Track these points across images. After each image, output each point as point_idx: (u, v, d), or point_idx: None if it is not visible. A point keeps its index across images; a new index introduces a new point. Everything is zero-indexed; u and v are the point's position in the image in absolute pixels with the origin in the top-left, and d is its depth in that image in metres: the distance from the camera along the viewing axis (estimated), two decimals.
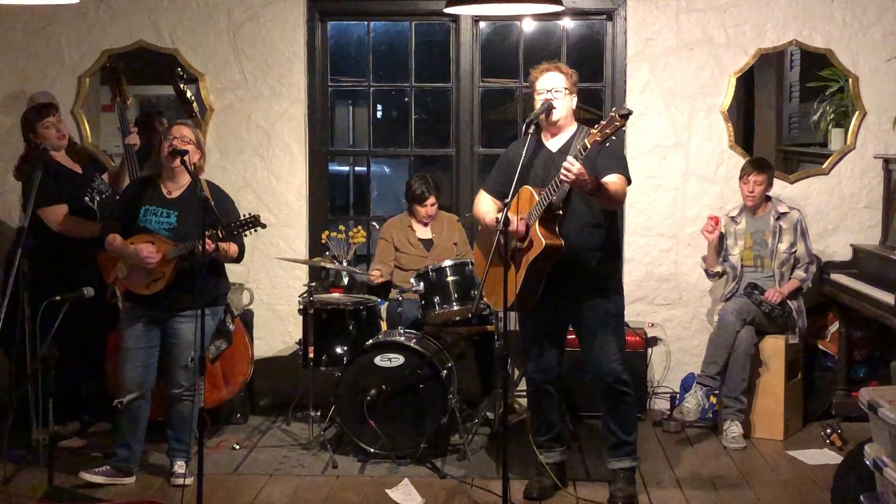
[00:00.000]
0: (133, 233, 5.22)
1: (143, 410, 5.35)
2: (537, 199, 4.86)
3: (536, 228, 4.86)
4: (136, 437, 5.37)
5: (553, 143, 5.10)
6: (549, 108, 4.96)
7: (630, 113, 4.54)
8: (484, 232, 5.28)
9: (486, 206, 5.21)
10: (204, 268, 4.96)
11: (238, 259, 5.42)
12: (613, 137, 4.58)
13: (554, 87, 5.02)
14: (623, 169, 4.99)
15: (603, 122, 4.57)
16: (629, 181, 5.01)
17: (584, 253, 4.97)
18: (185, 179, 5.27)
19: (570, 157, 4.63)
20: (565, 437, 5.44)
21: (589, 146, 4.60)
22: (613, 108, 4.60)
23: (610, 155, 4.92)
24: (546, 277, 4.94)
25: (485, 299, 5.28)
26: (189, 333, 5.22)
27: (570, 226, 4.94)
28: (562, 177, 4.62)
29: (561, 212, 4.92)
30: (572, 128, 5.11)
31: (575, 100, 5.12)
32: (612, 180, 4.86)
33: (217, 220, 4.99)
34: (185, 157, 5.06)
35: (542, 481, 5.27)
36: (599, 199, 4.84)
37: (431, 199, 6.53)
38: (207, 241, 4.92)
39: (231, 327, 6.00)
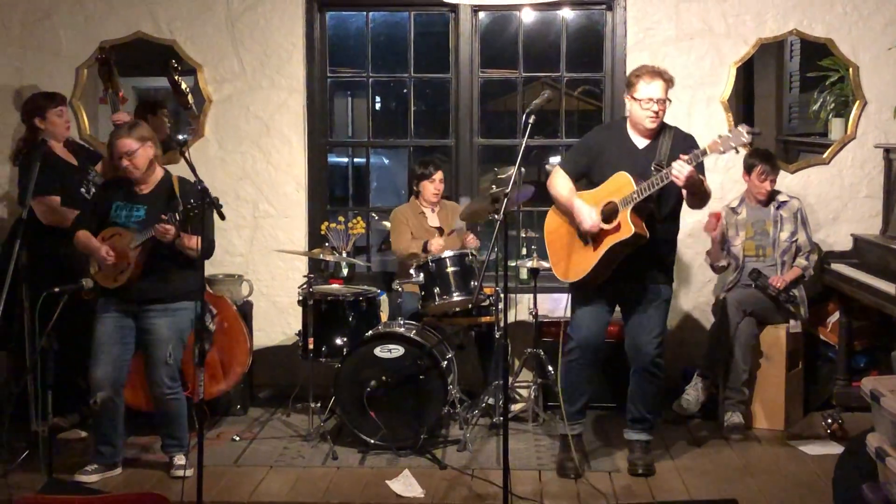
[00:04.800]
0: (101, 228, 5.20)
1: (118, 407, 5.31)
2: (635, 187, 5.03)
3: (628, 215, 5.04)
4: (117, 434, 5.36)
5: (639, 140, 5.28)
6: (548, 98, 4.97)
7: (759, 133, 4.92)
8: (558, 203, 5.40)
9: (563, 183, 5.33)
10: (174, 259, 5.12)
11: (206, 254, 5.14)
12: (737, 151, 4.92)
13: (661, 98, 5.17)
14: (703, 169, 5.23)
15: (728, 136, 4.84)
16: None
17: (659, 243, 5.23)
18: (157, 176, 5.25)
19: (681, 162, 4.89)
20: (585, 411, 5.57)
21: (708, 153, 4.91)
22: (742, 125, 4.84)
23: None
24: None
25: (551, 268, 5.44)
26: (164, 328, 5.20)
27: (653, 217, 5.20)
28: (674, 176, 4.89)
29: (653, 205, 5.14)
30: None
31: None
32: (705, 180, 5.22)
33: (174, 205, 4.98)
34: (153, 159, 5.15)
35: (575, 458, 5.38)
36: (697, 197, 5.16)
37: (439, 175, 6.53)
38: (165, 225, 4.94)
39: (212, 327, 5.95)
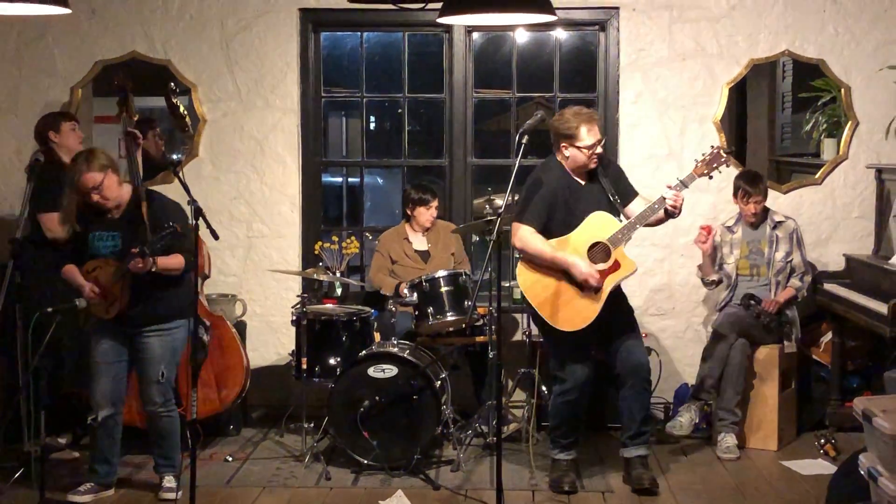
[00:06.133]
0: (87, 259, 5.15)
1: (118, 425, 5.29)
2: (623, 223, 5.22)
3: (623, 251, 5.23)
4: (115, 452, 5.34)
5: (580, 179, 5.40)
6: (541, 118, 5.00)
7: (733, 151, 5.15)
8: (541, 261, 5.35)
9: (538, 240, 5.30)
10: (160, 280, 5.08)
11: (186, 269, 5.15)
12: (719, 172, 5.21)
13: (601, 138, 5.32)
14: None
15: (707, 158, 5.13)
16: None
17: None
18: (125, 197, 5.17)
19: (674, 192, 5.14)
20: (580, 438, 5.64)
21: (696, 178, 5.21)
22: (715, 146, 5.10)
23: (624, 178, 5.46)
24: None
25: (556, 323, 5.31)
26: (157, 348, 5.18)
27: None
28: (669, 208, 5.14)
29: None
30: None
31: None
32: (641, 199, 5.43)
33: (143, 240, 4.96)
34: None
35: (570, 475, 5.45)
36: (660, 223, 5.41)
37: (435, 203, 6.55)
38: (137, 260, 4.92)
39: (206, 338, 5.90)
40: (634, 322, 5.53)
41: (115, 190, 5.08)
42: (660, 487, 5.45)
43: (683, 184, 5.19)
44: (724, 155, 5.16)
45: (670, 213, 5.21)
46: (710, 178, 5.34)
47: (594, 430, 6.08)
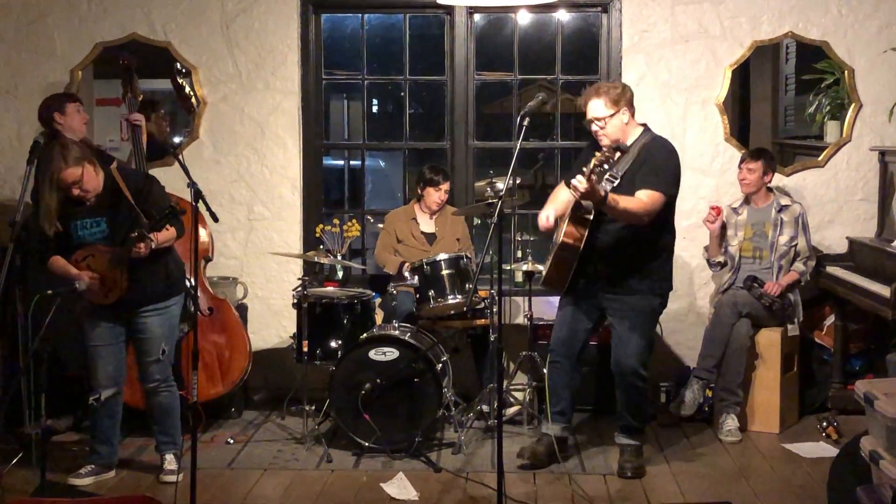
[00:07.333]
0: (72, 249, 5.06)
1: (119, 405, 5.31)
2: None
3: (565, 224, 5.14)
4: (115, 432, 5.35)
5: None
6: (543, 101, 4.97)
7: (626, 150, 4.92)
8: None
9: (554, 194, 5.47)
10: (153, 258, 5.05)
11: (179, 236, 5.16)
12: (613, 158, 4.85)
13: (594, 117, 5.19)
14: (658, 184, 5.10)
15: (613, 146, 4.88)
16: (666, 194, 5.14)
17: (616, 248, 5.20)
18: (99, 181, 5.06)
19: (579, 176, 4.82)
20: (569, 414, 5.58)
21: (595, 165, 4.81)
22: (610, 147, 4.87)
23: (650, 170, 5.07)
24: (574, 267, 5.21)
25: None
26: (156, 327, 5.18)
27: (606, 223, 5.16)
28: (571, 189, 4.87)
29: (590, 216, 5.11)
30: (636, 132, 5.28)
31: (625, 112, 5.20)
32: (640, 195, 5.05)
33: (138, 222, 4.91)
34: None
35: (536, 448, 5.45)
36: (609, 213, 5.04)
37: (445, 186, 6.54)
38: (138, 246, 4.89)
39: (192, 309, 5.87)
40: (635, 317, 5.29)
41: (95, 181, 5.01)
42: (660, 469, 5.47)
43: (588, 175, 4.80)
44: (611, 151, 4.82)
45: (581, 199, 4.93)
46: (606, 164, 4.85)
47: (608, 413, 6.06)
